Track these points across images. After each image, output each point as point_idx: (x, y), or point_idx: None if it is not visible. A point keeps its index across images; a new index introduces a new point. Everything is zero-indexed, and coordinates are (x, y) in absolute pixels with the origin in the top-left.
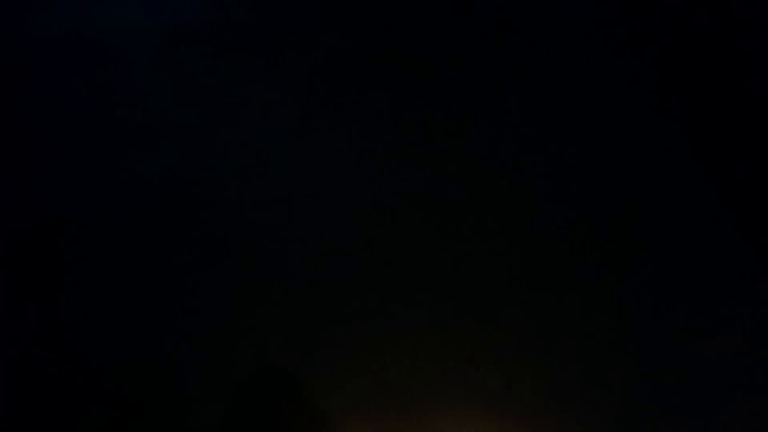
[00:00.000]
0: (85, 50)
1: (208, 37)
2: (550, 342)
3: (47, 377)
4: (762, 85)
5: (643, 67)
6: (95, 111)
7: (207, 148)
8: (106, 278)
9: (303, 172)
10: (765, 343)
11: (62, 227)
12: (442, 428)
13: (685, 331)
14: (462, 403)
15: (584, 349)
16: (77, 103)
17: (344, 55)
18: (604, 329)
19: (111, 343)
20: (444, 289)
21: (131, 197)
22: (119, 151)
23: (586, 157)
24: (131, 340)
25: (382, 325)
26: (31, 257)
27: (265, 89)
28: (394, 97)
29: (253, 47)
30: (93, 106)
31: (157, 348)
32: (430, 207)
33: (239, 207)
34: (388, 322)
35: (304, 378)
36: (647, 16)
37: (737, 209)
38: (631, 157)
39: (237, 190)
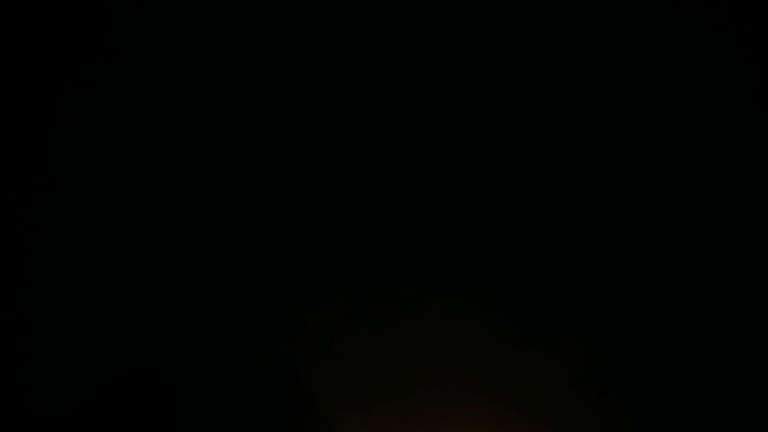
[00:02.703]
0: None
1: None
2: (552, 340)
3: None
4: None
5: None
6: None
7: None
8: (102, 280)
9: None
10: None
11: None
12: (441, 427)
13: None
14: (462, 402)
15: (585, 348)
16: None
17: None
18: (609, 327)
19: (107, 351)
20: (445, 287)
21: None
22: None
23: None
24: (127, 346)
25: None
26: (28, 257)
27: None
28: None
29: None
30: None
31: (154, 355)
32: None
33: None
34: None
35: (304, 379)
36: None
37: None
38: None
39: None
